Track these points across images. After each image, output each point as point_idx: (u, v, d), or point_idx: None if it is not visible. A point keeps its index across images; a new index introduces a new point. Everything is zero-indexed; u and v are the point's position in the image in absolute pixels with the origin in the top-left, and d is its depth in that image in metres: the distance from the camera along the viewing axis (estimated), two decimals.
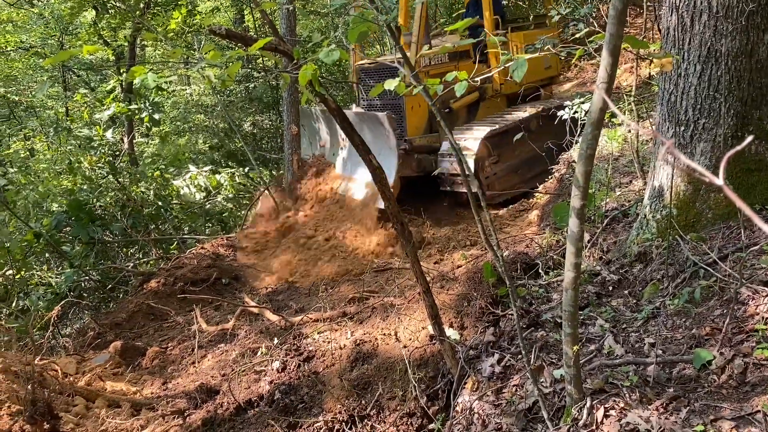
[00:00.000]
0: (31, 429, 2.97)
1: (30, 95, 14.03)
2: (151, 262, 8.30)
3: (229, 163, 10.49)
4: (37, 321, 5.29)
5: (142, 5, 10.23)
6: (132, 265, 8.22)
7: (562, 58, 7.12)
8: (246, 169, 10.16)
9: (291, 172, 8.12)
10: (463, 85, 2.34)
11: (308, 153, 8.25)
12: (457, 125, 7.69)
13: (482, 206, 2.56)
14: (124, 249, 8.79)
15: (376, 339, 3.56)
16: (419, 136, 7.48)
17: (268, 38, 2.17)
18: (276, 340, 3.93)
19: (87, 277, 7.73)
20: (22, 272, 7.47)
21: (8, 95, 14.53)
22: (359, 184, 7.17)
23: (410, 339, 3.45)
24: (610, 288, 3.41)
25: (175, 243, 8.75)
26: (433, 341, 3.31)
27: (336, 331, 3.96)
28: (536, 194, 6.54)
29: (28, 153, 11.49)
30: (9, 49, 14.55)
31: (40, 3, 14.20)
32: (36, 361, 3.74)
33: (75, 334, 6.23)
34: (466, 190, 7.01)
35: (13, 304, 7.16)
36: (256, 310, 4.81)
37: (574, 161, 6.16)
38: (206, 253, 7.71)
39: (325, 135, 8.11)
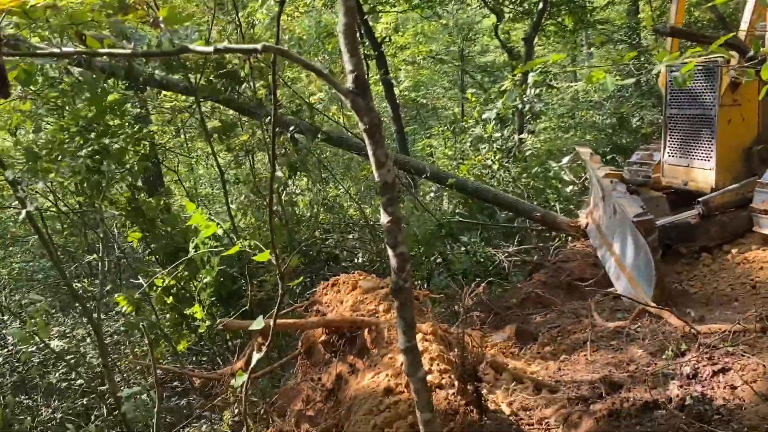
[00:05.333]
0: (458, 386, 3.46)
1: (434, 98, 16.06)
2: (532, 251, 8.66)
3: (615, 157, 10.31)
4: (451, 294, 6.04)
5: (539, 6, 10.72)
6: (514, 251, 8.64)
7: None
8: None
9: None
10: None
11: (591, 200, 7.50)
12: None
13: None
14: (509, 237, 9.40)
15: None
16: (726, 188, 5.92)
17: (729, 35, 2.10)
18: (683, 346, 3.78)
19: (476, 261, 8.34)
20: (426, 256, 8.62)
21: (417, 98, 16.88)
22: (615, 262, 6.08)
23: None
24: None
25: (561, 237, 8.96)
26: None
27: (754, 346, 3.61)
28: None
29: (431, 150, 13.17)
30: (419, 58, 16.82)
31: (446, 14, 16.03)
32: (457, 330, 4.30)
33: (473, 311, 6.96)
34: None
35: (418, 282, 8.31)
36: (657, 312, 4.68)
37: None
38: (585, 252, 7.66)
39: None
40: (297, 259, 6.62)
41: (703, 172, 6.34)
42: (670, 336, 4.14)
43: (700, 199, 6.04)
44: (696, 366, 3.44)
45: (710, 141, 6.14)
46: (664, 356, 3.79)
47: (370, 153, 1.66)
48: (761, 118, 6.01)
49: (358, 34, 12.16)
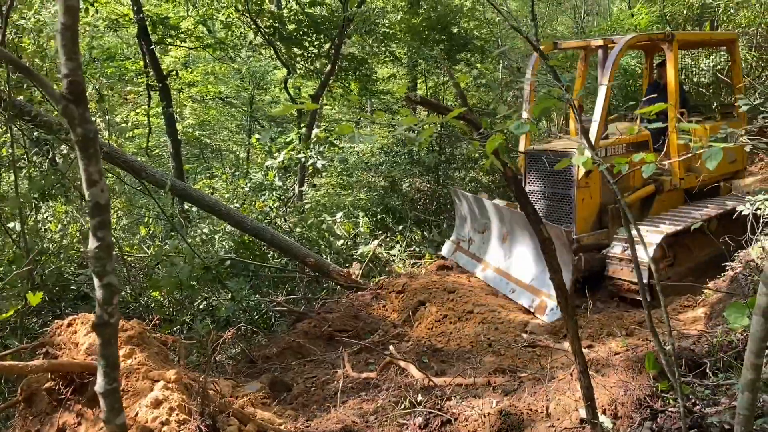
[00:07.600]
0: None
1: (219, 140, 15.70)
2: (300, 301, 8.69)
3: (386, 218, 10.91)
4: (205, 342, 5.75)
5: (327, 68, 11.18)
6: (282, 299, 8.59)
7: (748, 151, 6.76)
8: (401, 227, 10.53)
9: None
10: (652, 168, 2.34)
11: (462, 234, 8.50)
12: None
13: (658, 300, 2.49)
14: (279, 285, 9.35)
15: (521, 412, 3.50)
16: (588, 233, 7.26)
17: (461, 108, 2.34)
18: (420, 397, 3.99)
19: (242, 308, 8.15)
20: (189, 300, 8.18)
21: (201, 138, 16.37)
22: (516, 285, 7.12)
23: (559, 419, 3.35)
24: None
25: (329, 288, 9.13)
26: (584, 425, 3.20)
27: (479, 398, 3.94)
28: (705, 291, 6.11)
29: (211, 191, 12.76)
30: (208, 98, 16.43)
31: (239, 59, 15.95)
32: (201, 378, 4.08)
33: (230, 360, 6.72)
34: (640, 298, 6.78)
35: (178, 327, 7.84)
36: (402, 364, 4.91)
37: (752, 260, 5.71)
38: (349, 304, 7.91)
39: (479, 219, 8.23)
40: (36, 296, 5.83)
41: None
42: (411, 387, 4.36)
43: (575, 236, 7.12)
44: (428, 416, 3.64)
45: (570, 215, 7.36)
46: (402, 407, 3.96)
47: (81, 168, 1.50)
48: (601, 194, 7.42)
49: (147, 59, 11.37)
